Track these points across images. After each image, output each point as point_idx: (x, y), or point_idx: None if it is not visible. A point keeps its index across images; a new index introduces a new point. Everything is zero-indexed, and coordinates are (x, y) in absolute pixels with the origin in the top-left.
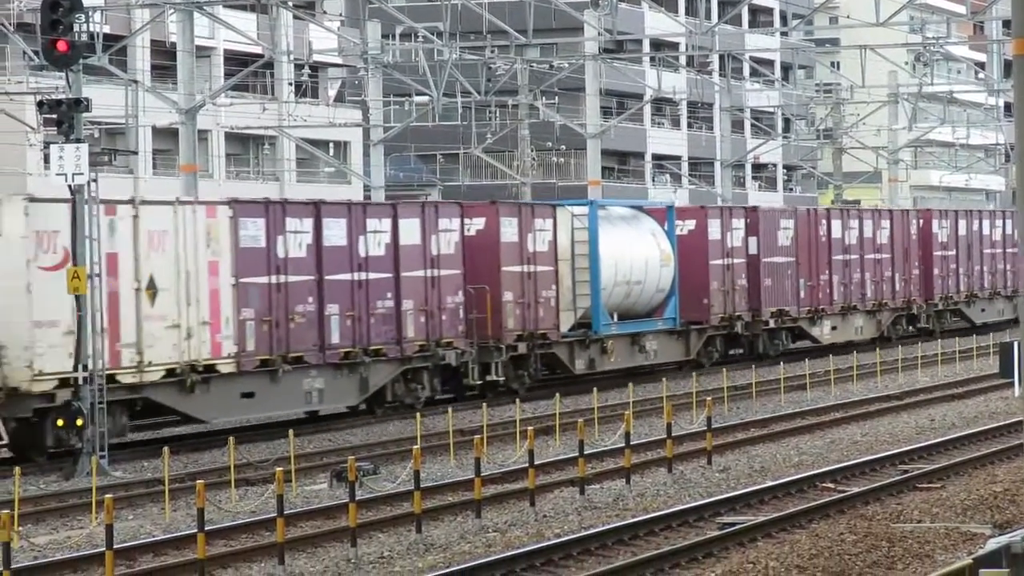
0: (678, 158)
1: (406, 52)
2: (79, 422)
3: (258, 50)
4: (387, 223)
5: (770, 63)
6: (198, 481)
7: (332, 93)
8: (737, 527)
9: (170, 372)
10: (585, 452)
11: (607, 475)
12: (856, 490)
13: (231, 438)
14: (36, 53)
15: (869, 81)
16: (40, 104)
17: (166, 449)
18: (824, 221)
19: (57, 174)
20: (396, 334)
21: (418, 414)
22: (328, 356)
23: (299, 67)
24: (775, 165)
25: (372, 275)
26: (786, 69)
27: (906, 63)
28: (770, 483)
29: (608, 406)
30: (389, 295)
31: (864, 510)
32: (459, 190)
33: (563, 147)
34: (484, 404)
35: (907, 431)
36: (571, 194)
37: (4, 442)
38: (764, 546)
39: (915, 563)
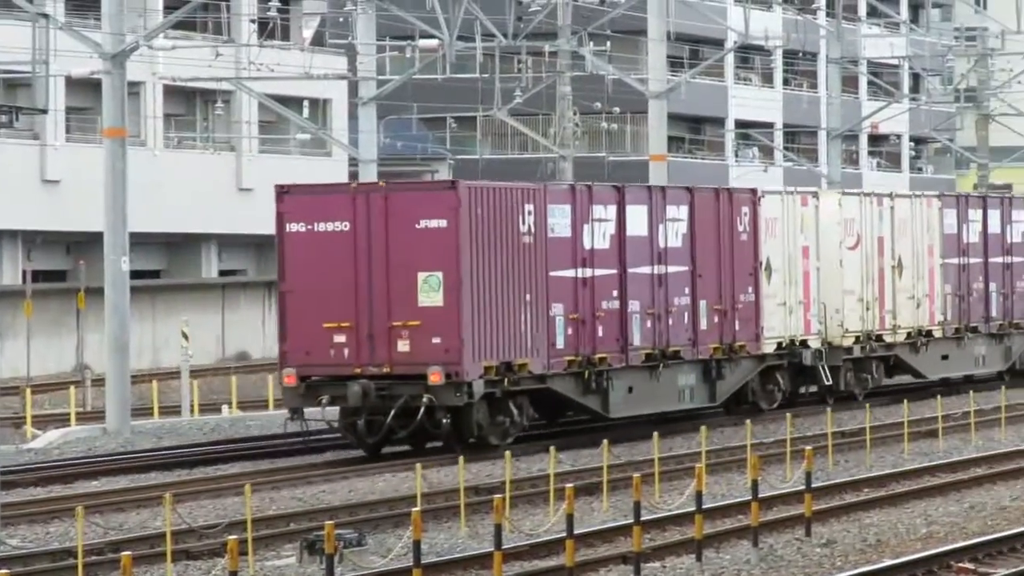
0: (770, 126)
1: None
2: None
3: None
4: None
5: (895, 1)
6: (123, 553)
7: (308, 34)
8: None
9: (907, 335)
10: (642, 518)
11: (670, 549)
12: (1003, 572)
13: (167, 495)
14: None
15: None
16: None
17: (80, 509)
18: None
19: None
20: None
21: (418, 466)
22: (989, 327)
23: (264, 0)
24: (899, 136)
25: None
26: (916, 8)
27: None
28: (888, 562)
29: (672, 457)
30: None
31: None
32: (475, 165)
33: (616, 110)
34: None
35: None
36: (626, 172)
37: (829, 383)
38: None
39: None
